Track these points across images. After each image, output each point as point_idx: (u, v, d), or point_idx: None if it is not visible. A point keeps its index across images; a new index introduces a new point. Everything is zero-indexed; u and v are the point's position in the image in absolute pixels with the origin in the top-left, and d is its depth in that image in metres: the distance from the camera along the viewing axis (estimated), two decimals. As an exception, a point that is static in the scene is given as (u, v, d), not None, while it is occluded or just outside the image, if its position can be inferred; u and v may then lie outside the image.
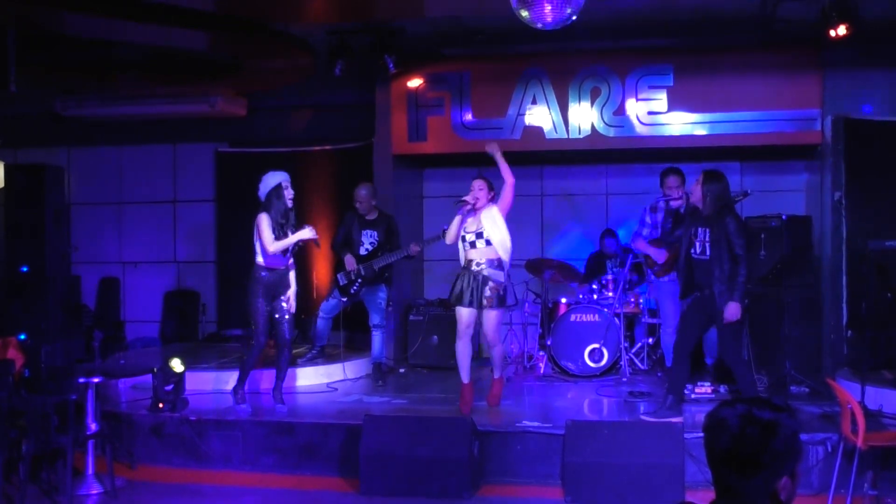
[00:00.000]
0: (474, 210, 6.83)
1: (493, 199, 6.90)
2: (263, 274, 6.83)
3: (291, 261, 7.00)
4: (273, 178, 6.84)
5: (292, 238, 6.78)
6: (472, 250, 6.82)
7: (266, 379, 7.43)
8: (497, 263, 6.80)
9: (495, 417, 6.72)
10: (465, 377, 6.92)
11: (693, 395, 7.04)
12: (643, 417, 6.54)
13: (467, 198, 6.80)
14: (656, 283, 7.98)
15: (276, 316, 6.91)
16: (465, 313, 6.83)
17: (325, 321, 8.37)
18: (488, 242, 6.77)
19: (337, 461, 6.41)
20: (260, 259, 6.83)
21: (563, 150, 9.15)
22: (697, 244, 6.40)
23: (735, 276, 6.18)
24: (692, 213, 6.57)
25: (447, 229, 7.05)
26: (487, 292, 6.71)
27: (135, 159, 10.96)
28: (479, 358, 8.92)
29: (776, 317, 7.43)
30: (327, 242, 8.48)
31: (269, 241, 6.70)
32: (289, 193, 6.82)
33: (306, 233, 6.80)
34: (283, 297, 6.92)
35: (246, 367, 6.96)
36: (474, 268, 6.78)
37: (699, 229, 6.40)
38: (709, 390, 7.03)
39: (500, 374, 7.11)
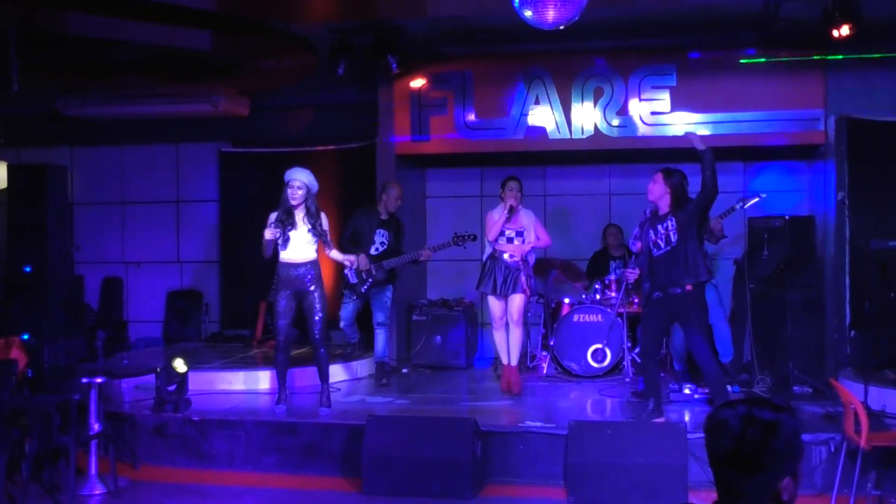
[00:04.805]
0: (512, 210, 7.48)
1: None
2: (279, 268, 6.88)
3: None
4: (286, 175, 6.90)
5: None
6: (510, 245, 7.49)
7: (298, 377, 7.62)
8: (526, 257, 7.55)
9: (498, 418, 6.72)
10: (506, 360, 7.61)
11: (696, 396, 7.04)
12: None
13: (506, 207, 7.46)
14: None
15: (305, 315, 6.91)
16: (497, 304, 7.52)
17: (349, 327, 8.42)
18: (524, 240, 7.52)
19: (339, 461, 6.42)
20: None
21: (566, 151, 9.14)
22: (661, 241, 6.39)
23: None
24: (649, 217, 6.58)
25: (461, 235, 7.82)
26: (523, 278, 7.41)
27: (137, 159, 10.95)
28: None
29: (779, 317, 7.43)
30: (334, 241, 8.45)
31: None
32: (292, 192, 6.79)
33: (267, 233, 6.75)
34: (314, 296, 6.87)
35: (277, 371, 7.08)
36: (508, 259, 7.47)
37: (658, 225, 6.42)
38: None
39: (517, 360, 7.65)
